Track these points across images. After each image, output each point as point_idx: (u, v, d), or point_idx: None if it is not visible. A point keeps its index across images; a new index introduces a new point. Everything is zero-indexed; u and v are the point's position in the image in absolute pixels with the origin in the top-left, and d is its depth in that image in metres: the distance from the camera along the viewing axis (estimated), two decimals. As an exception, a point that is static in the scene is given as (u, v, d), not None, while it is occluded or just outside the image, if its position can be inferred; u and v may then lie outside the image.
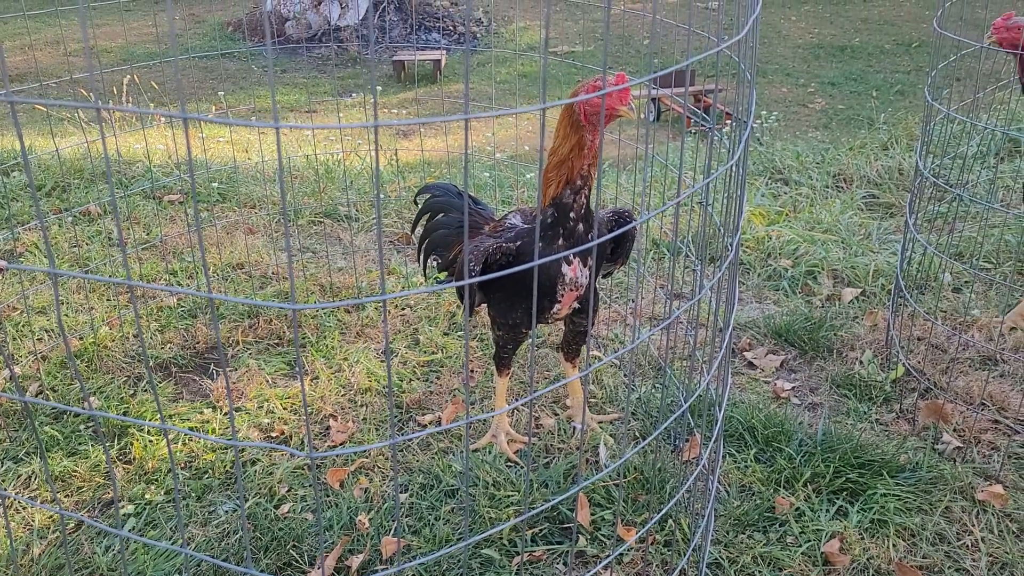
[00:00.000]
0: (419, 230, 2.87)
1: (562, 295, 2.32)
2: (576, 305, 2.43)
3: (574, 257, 2.26)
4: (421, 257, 2.83)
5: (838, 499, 2.43)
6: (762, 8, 2.13)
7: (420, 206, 2.89)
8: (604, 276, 2.74)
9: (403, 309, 3.52)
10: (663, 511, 1.95)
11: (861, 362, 3.09)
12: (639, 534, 2.11)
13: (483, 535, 1.38)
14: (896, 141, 5.91)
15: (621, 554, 2.26)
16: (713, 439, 1.80)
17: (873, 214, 4.67)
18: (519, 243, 2.29)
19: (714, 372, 1.84)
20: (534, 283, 1.24)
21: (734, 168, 1.70)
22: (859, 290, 3.66)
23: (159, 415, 1.39)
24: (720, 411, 1.90)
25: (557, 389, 2.98)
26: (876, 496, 2.41)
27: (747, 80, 1.65)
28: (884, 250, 4.05)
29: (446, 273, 2.78)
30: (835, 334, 3.29)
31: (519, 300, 2.40)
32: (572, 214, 2.20)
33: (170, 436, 2.70)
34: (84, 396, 2.85)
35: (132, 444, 2.66)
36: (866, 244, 4.13)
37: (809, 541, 2.27)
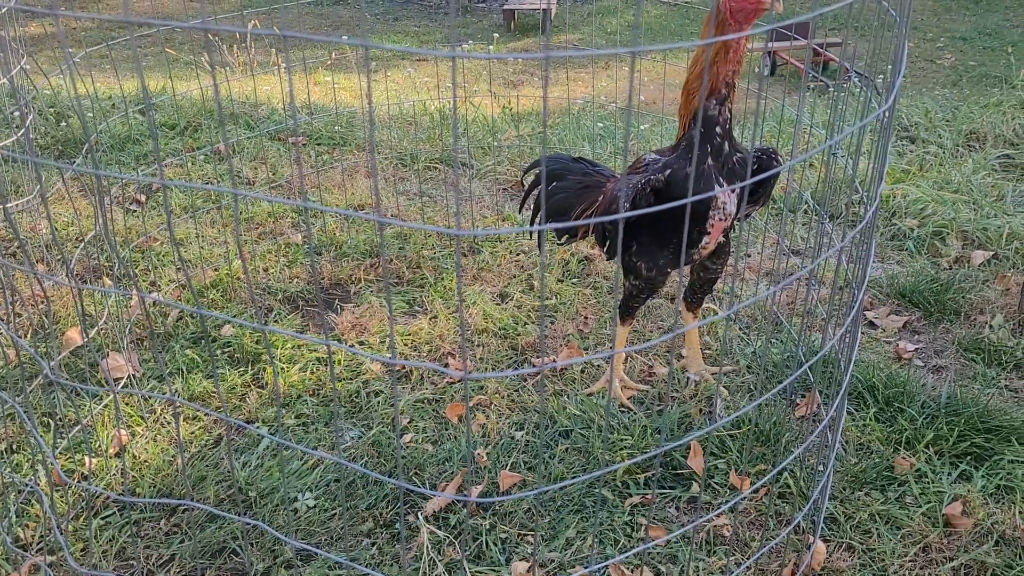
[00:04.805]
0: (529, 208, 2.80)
1: (711, 224, 2.29)
2: (722, 239, 2.41)
3: (724, 181, 2.22)
4: (536, 231, 2.77)
5: (961, 463, 2.37)
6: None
7: (532, 180, 2.84)
8: (743, 219, 2.70)
9: (517, 255, 3.57)
10: (782, 465, 1.95)
11: (991, 326, 2.98)
12: (757, 485, 2.12)
13: (598, 473, 1.42)
14: (1036, 99, 5.56)
15: (735, 502, 2.28)
16: (840, 395, 1.78)
17: (1008, 175, 4.44)
18: (668, 172, 2.23)
19: (843, 332, 1.81)
20: (689, 216, 1.25)
21: (881, 119, 1.66)
22: (991, 253, 3.51)
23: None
24: (847, 373, 1.88)
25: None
26: (1003, 462, 2.34)
27: (902, 28, 1.60)
28: (1019, 212, 3.86)
29: (567, 236, 2.73)
30: (963, 297, 3.17)
31: (668, 236, 2.36)
32: (718, 128, 2.16)
33: (297, 366, 2.84)
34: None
35: (265, 370, 2.82)
36: (999, 206, 3.94)
37: (930, 502, 2.24)
